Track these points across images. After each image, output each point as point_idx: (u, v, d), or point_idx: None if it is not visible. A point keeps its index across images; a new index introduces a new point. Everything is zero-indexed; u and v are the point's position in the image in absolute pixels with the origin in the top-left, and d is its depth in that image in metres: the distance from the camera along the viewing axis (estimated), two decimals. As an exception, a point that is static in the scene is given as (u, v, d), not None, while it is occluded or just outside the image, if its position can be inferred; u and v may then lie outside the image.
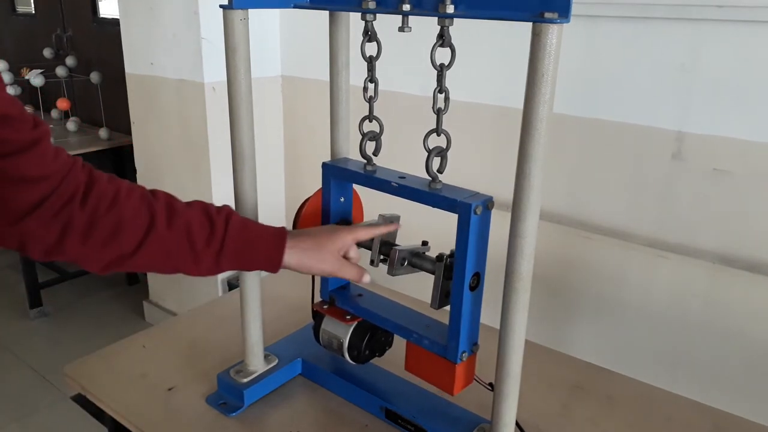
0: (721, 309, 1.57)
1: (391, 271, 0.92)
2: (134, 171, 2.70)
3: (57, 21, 3.48)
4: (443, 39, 0.80)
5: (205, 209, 0.83)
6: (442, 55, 0.80)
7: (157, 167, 2.57)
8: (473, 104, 1.88)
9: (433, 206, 0.85)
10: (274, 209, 2.62)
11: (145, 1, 2.36)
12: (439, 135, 0.86)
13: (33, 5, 3.75)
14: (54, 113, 3.39)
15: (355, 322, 1.00)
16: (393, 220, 0.98)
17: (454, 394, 0.90)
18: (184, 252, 0.80)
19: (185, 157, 2.45)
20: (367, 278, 0.91)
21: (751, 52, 1.42)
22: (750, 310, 1.53)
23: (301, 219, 0.99)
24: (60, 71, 3.14)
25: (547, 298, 1.85)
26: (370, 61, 0.91)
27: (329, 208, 0.99)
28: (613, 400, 1.08)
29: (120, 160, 3.09)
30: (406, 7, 0.79)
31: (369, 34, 0.90)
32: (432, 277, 0.89)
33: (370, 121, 0.95)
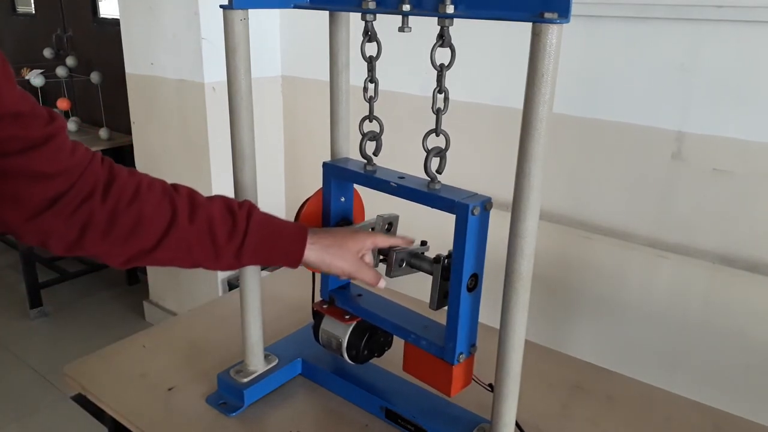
0: (721, 309, 1.57)
1: (390, 273, 0.92)
2: (134, 171, 2.69)
3: (57, 21, 3.48)
4: (443, 39, 0.80)
5: (227, 204, 0.83)
6: (442, 55, 0.80)
7: (157, 167, 2.57)
8: (473, 104, 1.88)
9: (432, 207, 0.85)
10: (274, 209, 2.58)
11: (145, 1, 2.36)
12: (438, 135, 0.86)
13: (33, 5, 3.75)
14: (54, 113, 3.39)
15: (354, 322, 1.00)
16: (391, 220, 0.98)
17: (451, 395, 0.90)
18: (205, 247, 0.80)
19: (185, 157, 2.45)
20: (382, 283, 0.91)
21: (751, 52, 1.42)
22: (750, 310, 1.53)
23: (301, 219, 0.99)
24: (60, 71, 3.14)
25: (546, 298, 1.85)
26: (370, 61, 0.91)
27: (330, 207, 0.99)
28: (613, 400, 1.08)
29: (120, 160, 3.06)
30: (406, 7, 0.79)
31: (369, 34, 0.90)
32: (431, 277, 0.89)
33: (370, 121, 0.95)
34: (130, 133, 2.68)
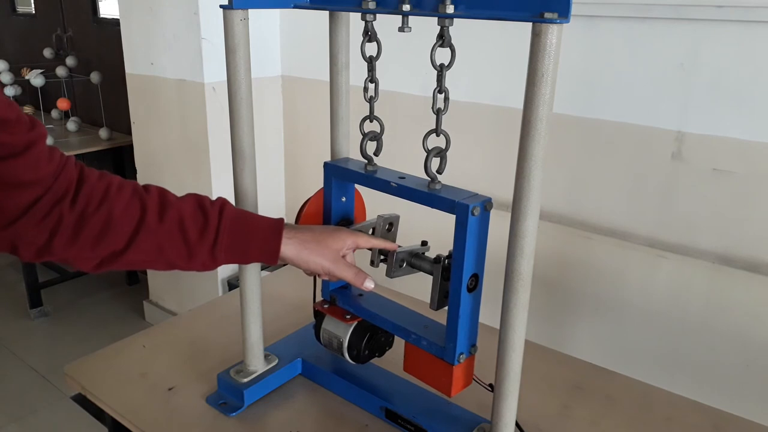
0: (721, 309, 1.57)
1: (390, 273, 0.92)
2: (134, 171, 2.70)
3: (57, 21, 3.48)
4: (443, 39, 0.80)
5: (198, 202, 0.81)
6: (442, 55, 0.80)
7: (157, 167, 2.57)
8: (473, 104, 1.88)
9: (432, 207, 0.85)
10: (274, 209, 2.62)
11: (145, 1, 2.36)
12: (438, 135, 0.86)
13: (33, 5, 3.75)
14: (54, 113, 3.39)
15: (355, 322, 1.00)
16: (392, 220, 0.98)
17: (451, 395, 0.90)
18: (177, 246, 0.78)
19: (185, 157, 2.45)
20: (369, 284, 0.87)
21: (751, 52, 1.42)
22: (750, 310, 1.53)
23: (302, 219, 0.99)
24: (60, 71, 3.14)
25: (546, 298, 1.85)
26: (370, 62, 0.91)
27: (330, 207, 0.99)
28: (613, 400, 1.08)
29: (120, 160, 3.10)
30: (406, 7, 0.79)
31: (369, 34, 0.90)
32: (431, 277, 0.89)
33: (371, 121, 0.95)
34: (130, 133, 2.68)
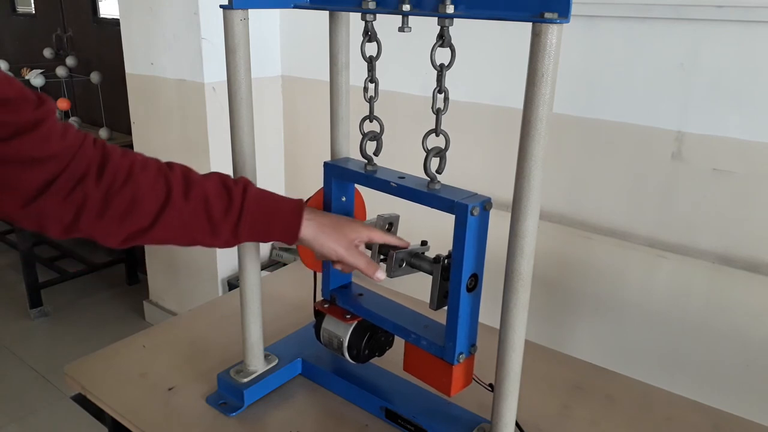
0: (721, 309, 1.57)
1: (390, 273, 0.92)
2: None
3: (57, 21, 3.48)
4: (443, 39, 0.80)
5: (222, 180, 0.82)
6: (442, 55, 0.80)
7: (157, 167, 2.57)
8: (473, 104, 1.88)
9: (431, 207, 0.85)
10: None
11: (145, 1, 2.36)
12: (438, 135, 0.86)
13: (33, 5, 3.75)
14: (54, 113, 3.39)
15: (355, 322, 1.00)
16: (392, 220, 0.98)
17: (451, 395, 0.90)
18: (201, 223, 0.79)
19: (185, 157, 2.45)
20: (381, 275, 0.89)
21: (751, 52, 1.42)
22: (750, 310, 1.53)
23: (302, 219, 0.99)
24: (60, 71, 3.14)
25: (546, 298, 1.85)
26: (370, 62, 0.91)
27: (331, 207, 0.99)
28: (613, 400, 1.08)
29: (120, 160, 3.09)
30: (406, 7, 0.79)
31: (369, 34, 0.90)
32: (431, 277, 0.89)
33: (371, 121, 0.95)
34: (130, 133, 2.68)
